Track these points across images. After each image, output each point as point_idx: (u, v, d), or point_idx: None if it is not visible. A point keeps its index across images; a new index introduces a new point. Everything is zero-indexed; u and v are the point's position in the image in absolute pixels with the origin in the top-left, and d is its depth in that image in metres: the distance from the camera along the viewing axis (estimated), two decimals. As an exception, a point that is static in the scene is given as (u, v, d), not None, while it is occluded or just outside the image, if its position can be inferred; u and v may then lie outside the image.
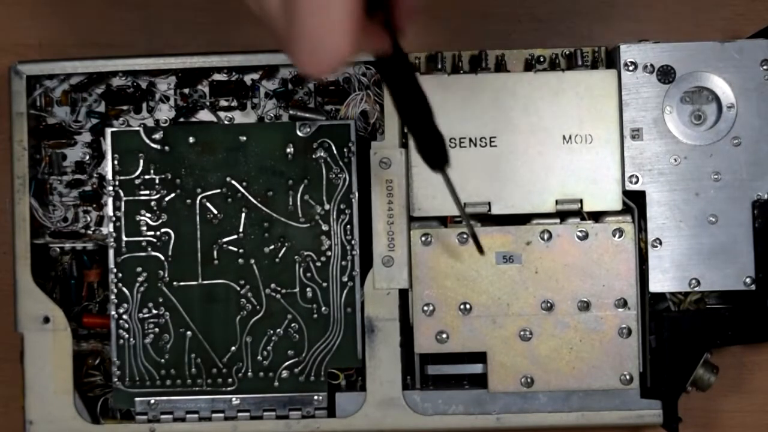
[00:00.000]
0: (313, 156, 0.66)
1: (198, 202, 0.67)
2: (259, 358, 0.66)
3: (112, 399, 0.67)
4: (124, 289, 0.67)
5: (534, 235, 0.65)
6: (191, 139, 0.67)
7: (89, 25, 0.72)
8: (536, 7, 0.72)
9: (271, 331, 0.66)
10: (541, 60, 0.68)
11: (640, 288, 0.65)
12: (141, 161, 0.67)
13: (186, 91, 0.69)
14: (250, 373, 0.66)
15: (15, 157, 0.67)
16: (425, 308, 0.65)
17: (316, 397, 0.66)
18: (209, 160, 0.67)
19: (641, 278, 0.65)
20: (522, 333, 0.65)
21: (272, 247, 0.66)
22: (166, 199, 0.67)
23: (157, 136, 0.67)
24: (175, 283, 0.67)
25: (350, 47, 0.45)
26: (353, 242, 0.66)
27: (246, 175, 0.66)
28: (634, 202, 0.66)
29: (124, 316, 0.67)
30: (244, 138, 0.67)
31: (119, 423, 0.67)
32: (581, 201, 0.65)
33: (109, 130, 0.67)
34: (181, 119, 0.69)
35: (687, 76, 0.65)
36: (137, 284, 0.67)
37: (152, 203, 0.67)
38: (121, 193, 0.67)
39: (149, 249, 0.67)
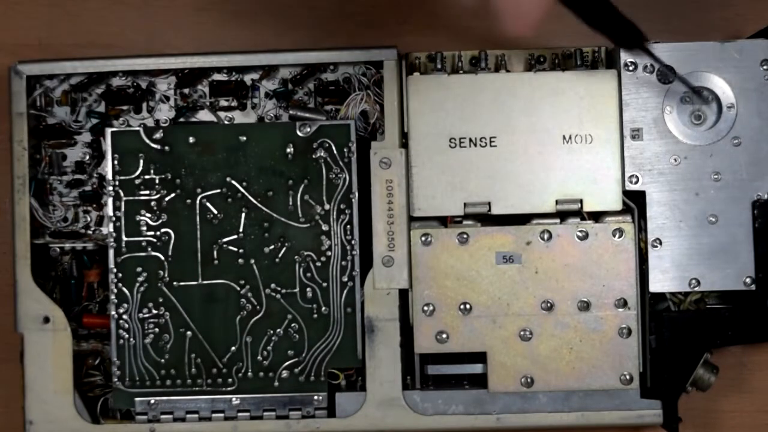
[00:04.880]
0: (313, 156, 0.66)
1: (198, 202, 0.67)
2: (259, 358, 0.66)
3: (112, 399, 0.67)
4: (124, 289, 0.67)
5: (534, 235, 0.65)
6: (191, 139, 0.67)
7: (89, 25, 0.72)
8: (536, 7, 0.71)
9: (271, 331, 0.66)
10: (541, 60, 0.68)
11: (640, 288, 0.65)
12: (141, 161, 0.67)
13: (186, 91, 0.69)
14: (250, 373, 0.67)
15: (15, 157, 0.67)
16: (425, 308, 0.65)
17: (316, 397, 0.66)
18: (209, 160, 0.67)
19: (641, 278, 0.65)
20: (522, 333, 0.65)
21: (272, 247, 0.66)
22: (166, 199, 0.67)
23: (157, 136, 0.67)
24: (175, 283, 0.67)
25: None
26: (353, 242, 0.66)
27: (246, 175, 0.67)
28: (634, 202, 0.66)
29: (124, 316, 0.67)
30: (244, 138, 0.67)
31: (119, 423, 0.67)
32: (581, 201, 0.65)
33: (109, 130, 0.67)
34: (181, 119, 0.69)
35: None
36: (137, 284, 0.67)
37: (152, 203, 0.67)
38: (121, 193, 0.67)
39: (149, 249, 0.67)
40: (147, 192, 0.67)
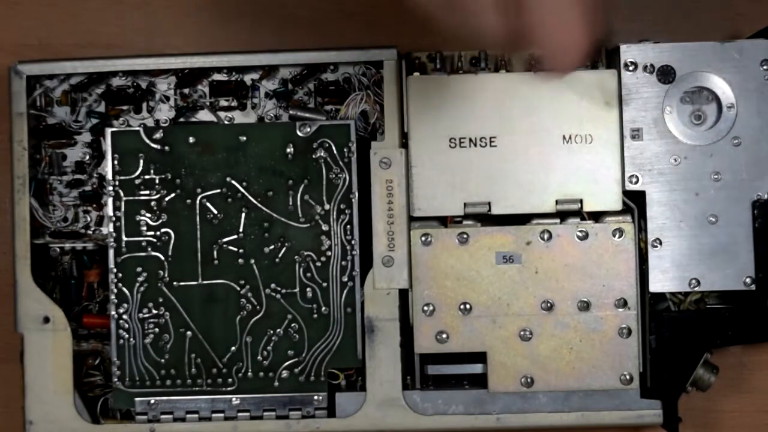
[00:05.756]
0: (313, 156, 0.66)
1: (198, 202, 0.67)
2: (259, 358, 0.66)
3: (112, 399, 0.67)
4: (124, 289, 0.67)
5: (534, 235, 0.65)
6: (191, 139, 0.67)
7: (89, 25, 0.72)
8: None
9: (271, 331, 0.66)
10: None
11: (640, 288, 0.65)
12: (141, 161, 0.67)
13: (186, 91, 0.69)
14: (250, 373, 0.67)
15: (15, 157, 0.67)
16: (425, 308, 0.65)
17: (316, 397, 0.66)
18: (209, 160, 0.67)
19: (641, 278, 0.65)
20: (522, 333, 0.65)
21: (272, 247, 0.66)
22: (166, 199, 0.67)
23: (157, 136, 0.67)
24: (175, 283, 0.67)
25: (588, 33, 0.49)
26: (353, 242, 0.66)
27: (246, 175, 0.67)
28: (634, 202, 0.66)
29: (124, 316, 0.67)
30: (244, 138, 0.67)
31: (119, 423, 0.67)
32: (581, 201, 0.65)
33: (109, 130, 0.67)
34: (181, 119, 0.69)
35: (687, 76, 0.65)
36: (137, 284, 0.67)
37: (152, 203, 0.67)
38: (121, 193, 0.67)
39: (149, 249, 0.67)
40: (147, 192, 0.67)
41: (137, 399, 0.67)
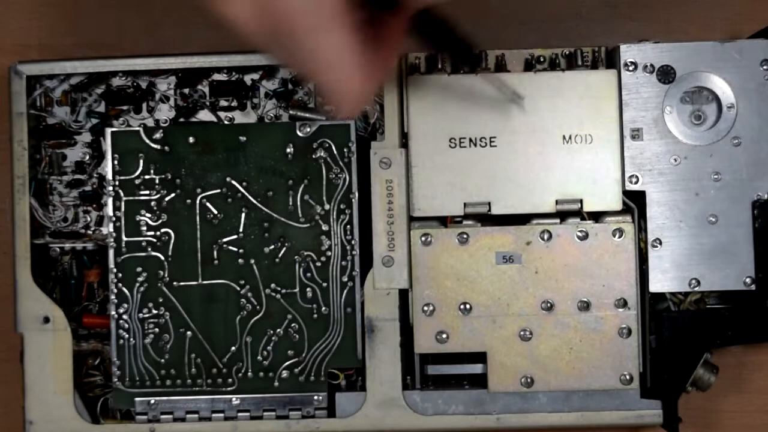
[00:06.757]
0: (313, 156, 0.66)
1: (198, 202, 0.67)
2: (259, 358, 0.66)
3: (112, 399, 0.67)
4: (124, 289, 0.67)
5: (534, 235, 0.65)
6: (191, 139, 0.67)
7: (89, 25, 0.72)
8: (536, 7, 0.72)
9: (271, 331, 0.66)
10: (541, 60, 0.68)
11: (640, 288, 0.65)
12: (141, 161, 0.67)
13: (186, 91, 0.69)
14: (250, 373, 0.67)
15: (15, 157, 0.67)
16: (425, 308, 0.65)
17: (316, 397, 0.66)
18: (209, 160, 0.67)
19: (641, 278, 0.65)
20: (522, 333, 0.65)
21: (272, 247, 0.66)
22: (166, 199, 0.67)
23: (157, 136, 0.67)
24: (175, 283, 0.67)
25: (364, 80, 0.50)
26: (353, 242, 0.66)
27: (246, 175, 0.67)
28: (634, 202, 0.66)
29: (124, 316, 0.67)
30: (244, 138, 0.67)
31: (119, 423, 0.67)
32: (581, 201, 0.65)
33: (109, 130, 0.67)
34: (181, 119, 0.69)
35: (687, 76, 0.65)
36: (137, 284, 0.67)
37: (152, 203, 0.67)
38: (121, 193, 0.67)
39: (149, 249, 0.67)
40: (147, 192, 0.67)
41: (137, 399, 0.67)
